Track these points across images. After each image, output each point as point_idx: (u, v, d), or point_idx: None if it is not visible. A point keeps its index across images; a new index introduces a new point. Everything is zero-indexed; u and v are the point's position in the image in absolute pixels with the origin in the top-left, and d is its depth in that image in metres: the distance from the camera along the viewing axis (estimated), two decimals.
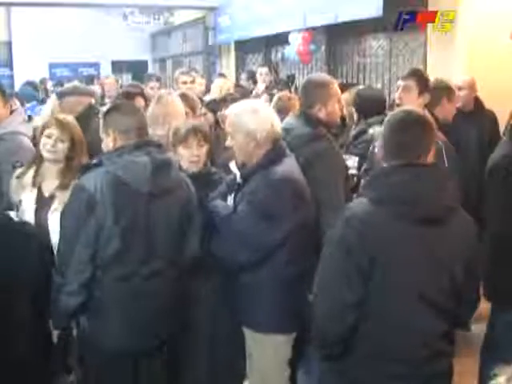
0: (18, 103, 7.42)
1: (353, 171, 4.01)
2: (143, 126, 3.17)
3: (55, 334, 3.23)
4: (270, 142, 3.20)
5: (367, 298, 2.39)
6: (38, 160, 3.70)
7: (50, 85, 10.72)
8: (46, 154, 3.64)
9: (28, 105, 7.82)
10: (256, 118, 3.20)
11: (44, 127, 3.69)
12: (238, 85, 6.93)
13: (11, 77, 16.19)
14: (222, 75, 8.47)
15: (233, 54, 13.34)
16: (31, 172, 3.68)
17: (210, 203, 3.40)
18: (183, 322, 3.35)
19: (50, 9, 14.78)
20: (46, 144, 3.63)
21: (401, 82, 4.50)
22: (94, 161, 3.12)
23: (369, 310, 2.40)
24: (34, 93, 8.57)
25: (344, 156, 4.01)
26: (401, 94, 4.41)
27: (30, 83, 10.00)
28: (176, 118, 4.34)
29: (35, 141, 3.85)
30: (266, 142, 3.19)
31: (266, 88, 7.74)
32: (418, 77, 4.42)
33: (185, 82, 6.89)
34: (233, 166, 3.41)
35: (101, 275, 3.00)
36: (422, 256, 2.42)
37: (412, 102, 4.10)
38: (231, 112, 3.35)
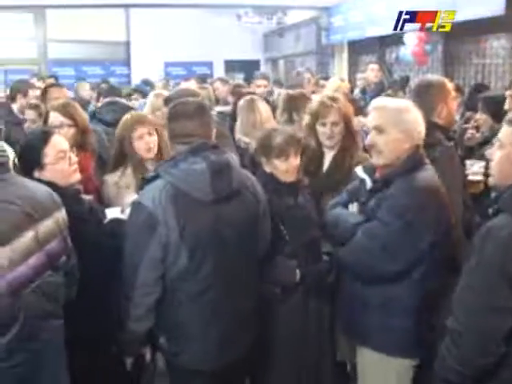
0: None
1: (477, 177, 3.80)
2: (203, 129, 2.93)
3: (128, 362, 3.05)
4: (414, 147, 2.97)
5: None
6: (129, 160, 3.77)
7: (172, 84, 10.77)
8: (148, 155, 3.72)
9: (141, 101, 8.09)
10: (414, 117, 2.97)
11: (133, 130, 3.75)
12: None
13: (128, 75, 16.74)
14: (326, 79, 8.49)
15: (346, 54, 13.22)
16: (127, 173, 3.75)
17: (332, 211, 3.24)
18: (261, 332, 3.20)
19: (166, 10, 15.18)
20: (146, 144, 3.71)
21: (508, 92, 4.37)
22: (152, 174, 2.92)
23: None
24: (149, 91, 8.80)
25: (469, 161, 3.83)
26: (510, 104, 4.26)
27: (145, 82, 10.27)
28: (267, 124, 4.29)
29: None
30: (414, 146, 2.98)
31: (381, 91, 7.60)
32: None
33: (259, 86, 7.14)
34: (359, 171, 3.18)
35: (172, 295, 2.84)
36: None
37: None
38: (385, 105, 3.07)
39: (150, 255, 2.74)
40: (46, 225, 2.28)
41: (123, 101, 5.86)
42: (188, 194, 2.76)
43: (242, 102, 4.71)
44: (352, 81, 9.89)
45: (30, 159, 2.94)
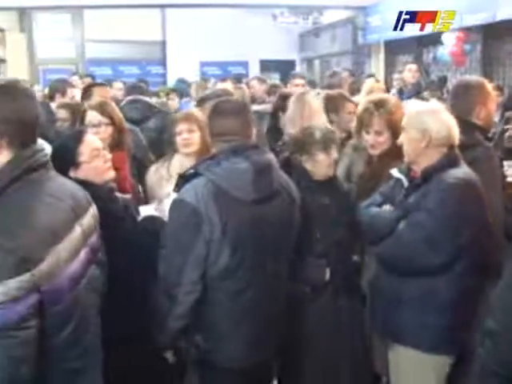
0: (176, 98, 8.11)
1: None
2: (244, 128, 2.91)
3: (169, 355, 3.03)
4: (446, 147, 3.03)
5: None
6: (171, 154, 3.90)
7: (212, 83, 10.74)
8: (183, 149, 3.79)
9: (182, 101, 8.17)
10: (435, 118, 3.04)
11: (175, 126, 3.87)
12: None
13: (164, 75, 16.88)
14: (371, 76, 8.41)
15: (382, 54, 13.13)
16: (167, 165, 3.86)
17: (366, 210, 3.24)
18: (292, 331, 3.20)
19: (202, 9, 15.24)
20: (183, 140, 3.79)
21: None
22: (191, 170, 2.88)
23: None
24: (187, 90, 8.86)
25: (507, 162, 3.79)
26: None
27: (181, 81, 10.33)
28: (315, 117, 4.25)
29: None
30: (441, 145, 3.03)
31: (418, 92, 7.51)
32: None
33: (297, 85, 7.06)
34: (395, 171, 3.21)
35: (212, 295, 2.82)
36: None
37: None
38: (411, 108, 3.21)
39: (195, 253, 2.73)
40: (87, 220, 2.32)
41: (146, 99, 5.95)
42: (228, 192, 2.75)
43: (292, 97, 4.71)
44: (388, 81, 9.79)
45: (65, 159, 2.92)
